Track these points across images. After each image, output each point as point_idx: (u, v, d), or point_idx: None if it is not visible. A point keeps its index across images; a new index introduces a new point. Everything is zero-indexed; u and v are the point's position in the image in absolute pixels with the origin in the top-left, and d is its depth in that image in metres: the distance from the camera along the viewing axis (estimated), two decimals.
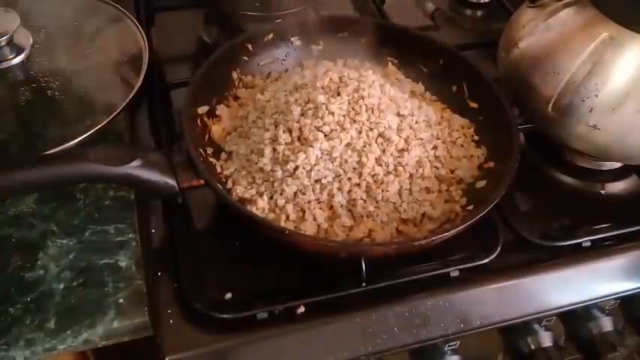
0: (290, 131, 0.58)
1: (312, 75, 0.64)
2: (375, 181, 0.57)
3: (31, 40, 0.67)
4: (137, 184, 0.52)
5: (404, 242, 0.56)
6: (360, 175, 0.57)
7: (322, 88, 0.60)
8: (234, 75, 0.67)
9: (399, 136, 0.59)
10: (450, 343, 0.57)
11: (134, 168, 0.50)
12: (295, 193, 0.56)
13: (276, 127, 0.59)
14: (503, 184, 0.55)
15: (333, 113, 0.58)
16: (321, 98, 0.59)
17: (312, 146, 0.56)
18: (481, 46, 0.81)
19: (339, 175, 0.57)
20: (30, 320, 0.53)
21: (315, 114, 0.58)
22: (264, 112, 0.62)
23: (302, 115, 0.59)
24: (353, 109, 0.59)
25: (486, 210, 0.53)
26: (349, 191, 0.56)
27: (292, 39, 0.71)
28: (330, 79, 0.61)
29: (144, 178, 0.51)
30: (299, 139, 0.58)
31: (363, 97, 0.59)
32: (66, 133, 0.61)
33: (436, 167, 0.61)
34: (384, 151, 0.58)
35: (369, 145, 0.58)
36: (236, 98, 0.67)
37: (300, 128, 0.58)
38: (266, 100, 0.64)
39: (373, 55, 0.71)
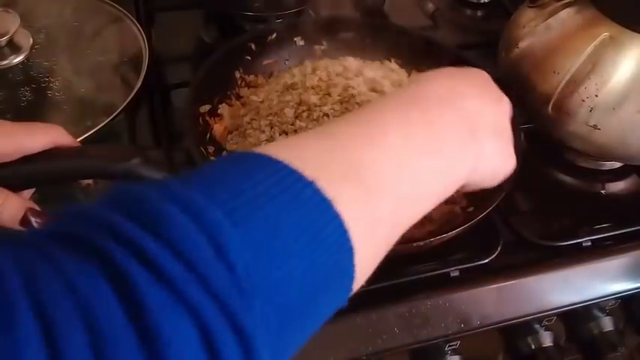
0: (286, 133, 0.58)
1: (300, 74, 0.64)
2: None
3: (31, 41, 0.67)
4: (137, 181, 0.52)
5: (403, 244, 0.55)
6: None
7: (312, 88, 0.60)
8: (237, 74, 0.67)
9: None
10: (451, 343, 0.57)
11: (135, 165, 0.50)
12: None
13: (271, 128, 0.59)
14: (503, 186, 0.55)
15: (327, 115, 0.58)
16: (314, 99, 0.59)
17: None
18: (481, 46, 0.81)
19: None
20: None
21: (309, 116, 0.58)
22: (258, 114, 0.62)
23: (296, 117, 0.59)
24: (347, 108, 0.59)
25: (485, 212, 0.53)
26: None
27: (295, 39, 0.71)
28: (320, 78, 0.61)
29: (144, 175, 0.51)
30: None
31: (353, 96, 0.59)
32: None
33: None
34: None
35: None
36: (238, 97, 0.67)
37: (295, 130, 0.58)
38: (260, 100, 0.64)
39: (375, 54, 0.71)
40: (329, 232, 0.28)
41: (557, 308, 0.58)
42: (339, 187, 0.30)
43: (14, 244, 0.23)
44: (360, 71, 0.63)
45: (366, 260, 0.31)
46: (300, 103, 0.60)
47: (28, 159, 0.43)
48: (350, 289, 0.31)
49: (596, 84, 0.58)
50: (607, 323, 0.63)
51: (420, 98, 0.38)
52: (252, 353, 0.24)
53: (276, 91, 0.63)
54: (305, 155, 0.31)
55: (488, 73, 0.45)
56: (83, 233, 0.24)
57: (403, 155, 0.34)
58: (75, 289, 0.21)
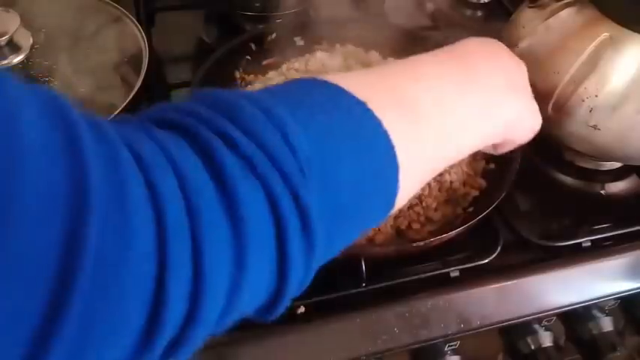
0: None
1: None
2: None
3: (31, 40, 0.67)
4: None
5: (403, 244, 0.56)
6: None
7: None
8: (237, 74, 0.67)
9: None
10: (450, 343, 0.57)
11: None
12: None
13: None
14: (503, 187, 0.55)
15: None
16: None
17: None
18: None
19: None
20: None
21: None
22: None
23: None
24: None
25: (485, 212, 0.53)
26: None
27: (295, 39, 0.71)
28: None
29: None
30: None
31: None
32: None
33: None
34: None
35: None
36: None
37: None
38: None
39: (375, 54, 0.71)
40: (377, 143, 0.33)
41: (556, 308, 0.58)
42: (386, 110, 0.34)
43: (118, 124, 0.28)
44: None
45: (407, 180, 0.35)
46: None
47: None
48: (392, 204, 0.35)
49: (596, 84, 0.58)
50: (606, 323, 0.63)
51: (457, 52, 0.43)
52: (308, 221, 0.29)
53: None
54: (355, 84, 0.35)
55: None
56: (173, 117, 0.30)
57: (443, 92, 0.39)
58: (172, 159, 0.27)
